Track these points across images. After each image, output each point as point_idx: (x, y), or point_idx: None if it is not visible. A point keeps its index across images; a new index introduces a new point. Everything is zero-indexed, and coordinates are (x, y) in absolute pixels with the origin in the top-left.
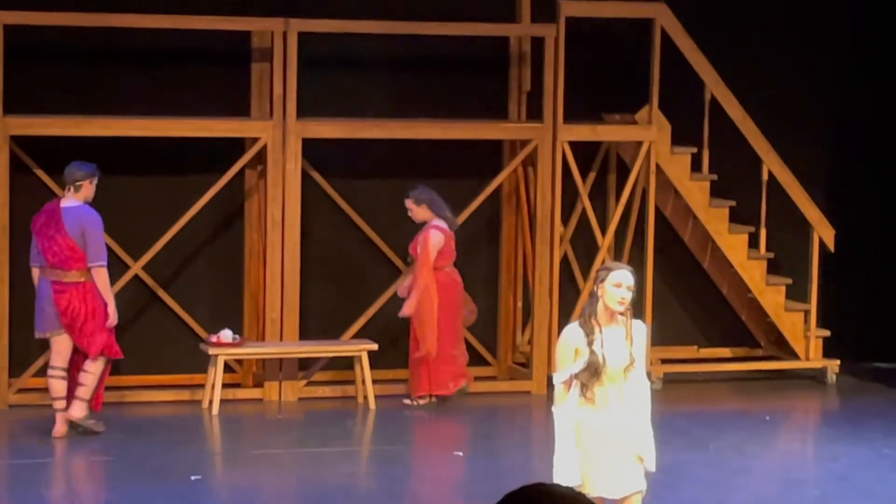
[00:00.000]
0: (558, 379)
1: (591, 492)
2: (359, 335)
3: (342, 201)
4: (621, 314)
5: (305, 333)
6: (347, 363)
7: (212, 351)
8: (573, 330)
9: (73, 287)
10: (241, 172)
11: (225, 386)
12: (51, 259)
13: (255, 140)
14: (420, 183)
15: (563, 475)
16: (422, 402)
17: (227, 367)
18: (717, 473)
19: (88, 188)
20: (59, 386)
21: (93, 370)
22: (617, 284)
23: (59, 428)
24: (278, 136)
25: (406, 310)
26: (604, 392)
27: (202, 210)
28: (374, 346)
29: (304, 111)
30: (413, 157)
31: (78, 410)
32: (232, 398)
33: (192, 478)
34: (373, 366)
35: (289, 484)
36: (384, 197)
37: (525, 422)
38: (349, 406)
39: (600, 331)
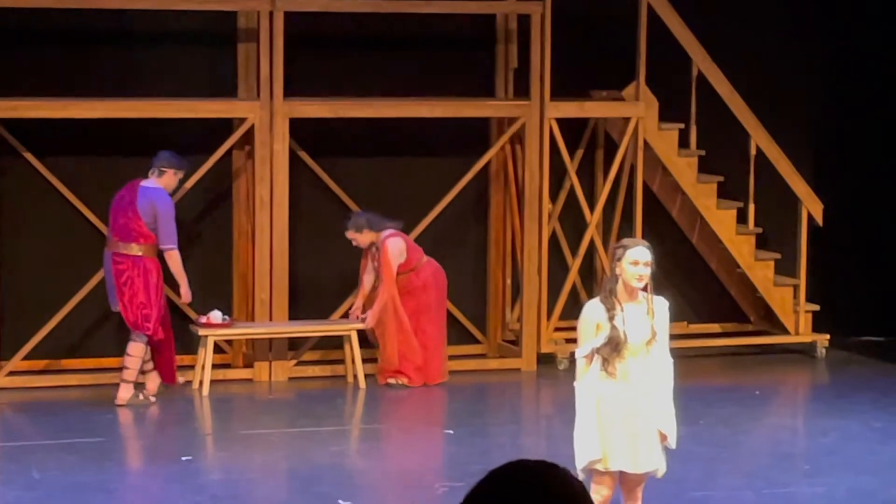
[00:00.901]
0: (580, 354)
1: (610, 466)
2: (348, 315)
3: (330, 181)
4: (642, 290)
5: (295, 313)
6: (337, 342)
7: (201, 332)
8: (594, 305)
9: (131, 259)
10: (228, 153)
11: (215, 367)
12: (116, 231)
13: (242, 121)
14: (407, 161)
15: (584, 449)
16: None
17: (217, 348)
18: (707, 448)
19: (171, 178)
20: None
21: (135, 353)
22: (634, 262)
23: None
24: (265, 117)
25: (369, 321)
26: (625, 367)
27: (190, 191)
28: (363, 326)
29: (291, 91)
30: (400, 135)
31: (123, 392)
32: (222, 378)
33: (184, 458)
34: (362, 345)
35: (279, 463)
36: (372, 176)
37: (515, 399)
38: (339, 385)
39: (621, 307)
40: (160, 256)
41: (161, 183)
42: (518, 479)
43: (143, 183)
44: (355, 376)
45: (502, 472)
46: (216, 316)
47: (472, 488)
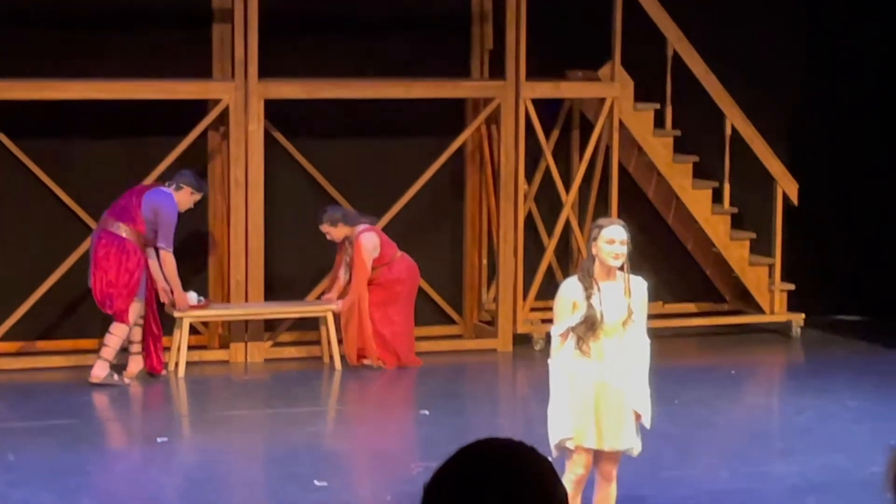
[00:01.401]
0: (556, 332)
1: (583, 443)
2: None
3: (305, 161)
4: (619, 269)
5: (270, 295)
6: (313, 324)
7: (177, 313)
8: (572, 284)
9: (115, 238)
10: (203, 134)
11: (191, 348)
12: (112, 210)
13: (216, 101)
14: (382, 141)
15: (557, 427)
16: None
17: (193, 330)
18: (684, 428)
19: (187, 195)
20: (131, 333)
21: (117, 333)
22: (609, 241)
23: (131, 369)
24: (240, 98)
25: (343, 304)
26: (599, 346)
27: (165, 172)
28: (338, 308)
29: (265, 72)
30: (376, 116)
31: (98, 370)
32: (198, 360)
33: (159, 440)
34: (338, 326)
35: (255, 445)
36: (347, 157)
37: (491, 380)
38: (315, 367)
39: (598, 287)
40: (152, 256)
41: (176, 196)
42: (485, 457)
43: (161, 187)
44: (331, 357)
45: (469, 450)
46: (191, 297)
47: (440, 467)
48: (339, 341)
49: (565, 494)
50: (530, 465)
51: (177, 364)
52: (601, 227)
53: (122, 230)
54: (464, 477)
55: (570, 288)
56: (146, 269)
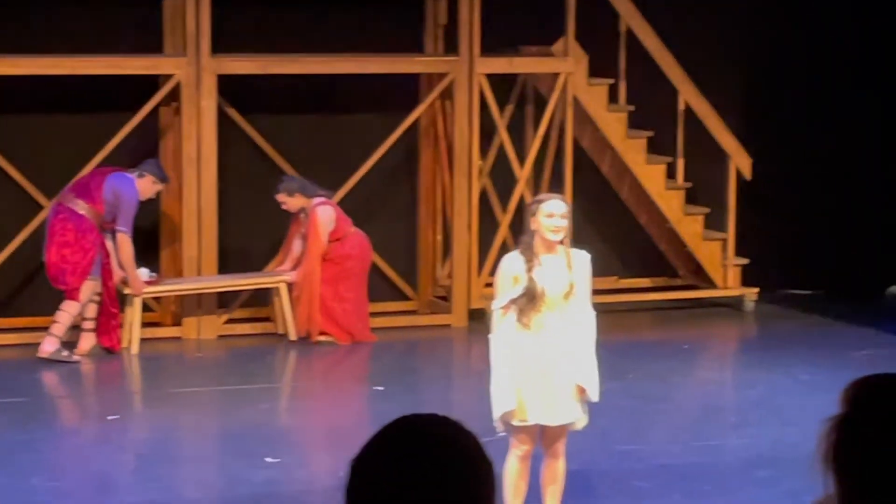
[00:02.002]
0: (496, 305)
1: (526, 418)
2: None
3: (259, 137)
4: (560, 243)
5: (224, 270)
6: (265, 300)
7: (128, 290)
8: (512, 257)
9: (73, 214)
10: (155, 110)
11: (144, 325)
12: (73, 186)
13: (168, 77)
14: (336, 117)
15: (499, 401)
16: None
17: (146, 307)
18: (636, 402)
19: (149, 184)
20: (84, 310)
21: (68, 309)
22: (549, 215)
23: (83, 346)
24: (192, 73)
25: (296, 275)
26: (540, 319)
27: (116, 149)
28: (292, 278)
29: (219, 47)
30: (329, 92)
31: (46, 345)
32: (150, 337)
33: (110, 417)
34: (291, 298)
35: (207, 422)
36: (301, 133)
37: (445, 355)
38: (268, 343)
39: (539, 260)
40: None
41: (139, 183)
42: (410, 432)
43: (125, 172)
44: (286, 329)
45: (395, 426)
46: (142, 273)
47: (366, 443)
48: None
49: (491, 467)
50: (456, 438)
51: (129, 341)
52: (540, 202)
53: (81, 207)
54: (390, 452)
55: (511, 262)
56: (101, 248)
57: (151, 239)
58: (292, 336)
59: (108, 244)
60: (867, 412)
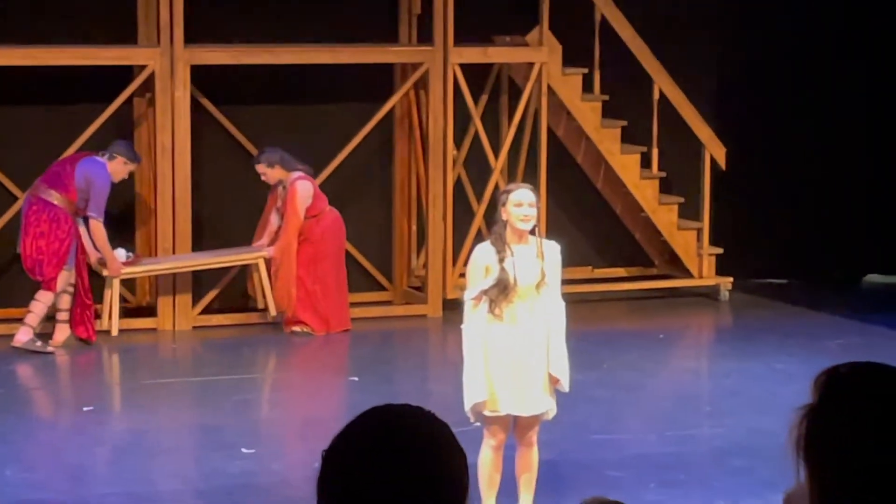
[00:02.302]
0: (468, 296)
1: (498, 409)
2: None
3: (233, 128)
4: (531, 233)
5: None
6: (241, 289)
7: (105, 272)
8: (484, 248)
9: (47, 205)
10: (129, 101)
11: (119, 316)
12: (45, 177)
13: (142, 68)
14: (311, 107)
15: (471, 392)
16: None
17: (122, 299)
18: (611, 392)
19: (120, 165)
20: (59, 300)
21: (42, 299)
22: (518, 204)
23: (58, 337)
24: (166, 64)
25: (273, 250)
26: (512, 309)
27: (91, 139)
28: (269, 253)
29: (192, 38)
30: (304, 82)
31: (21, 334)
32: (126, 328)
33: (85, 409)
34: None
35: (183, 413)
36: (276, 123)
37: (421, 346)
38: (243, 334)
39: (511, 251)
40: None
41: (109, 166)
42: (383, 422)
43: (95, 156)
44: (266, 304)
45: (367, 417)
46: (119, 254)
47: (338, 434)
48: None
49: (463, 456)
50: (429, 429)
51: (110, 322)
52: (509, 192)
53: (54, 198)
54: (362, 443)
55: (482, 252)
56: (76, 238)
57: (127, 230)
58: (272, 312)
59: (82, 230)
60: (837, 401)
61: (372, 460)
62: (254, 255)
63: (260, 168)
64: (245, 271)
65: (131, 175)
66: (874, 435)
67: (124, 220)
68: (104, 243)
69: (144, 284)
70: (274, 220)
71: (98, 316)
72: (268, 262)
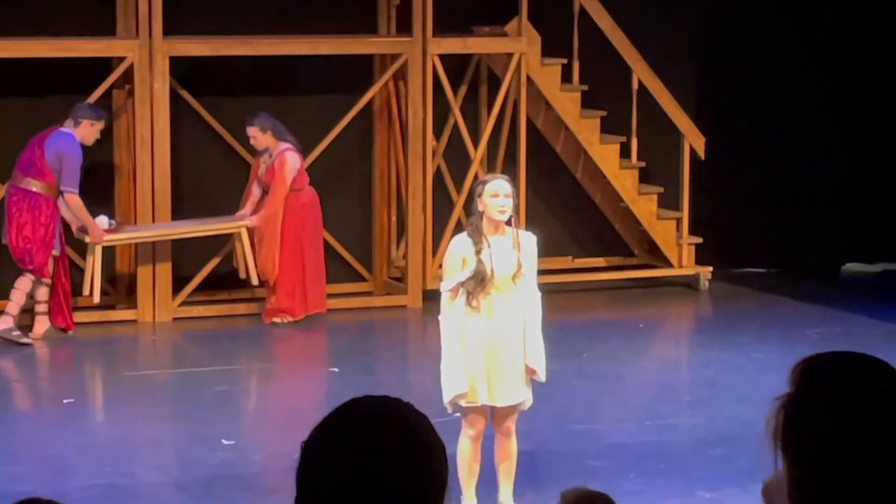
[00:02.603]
0: (445, 287)
1: (476, 400)
2: (230, 256)
3: (212, 119)
4: (507, 224)
5: (178, 253)
6: (220, 283)
7: (88, 238)
8: (461, 240)
9: (27, 194)
10: (108, 92)
11: (99, 308)
12: (20, 165)
13: (121, 59)
14: (290, 98)
15: (450, 383)
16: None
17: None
18: (591, 382)
19: (87, 129)
20: (37, 292)
21: (21, 287)
22: (494, 195)
23: (37, 329)
24: (145, 55)
25: (256, 219)
26: (490, 301)
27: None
28: (252, 222)
29: (172, 29)
30: (283, 73)
31: (1, 323)
32: (105, 320)
33: (66, 401)
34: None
35: (163, 405)
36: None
37: (401, 336)
38: (223, 325)
39: (488, 242)
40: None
41: (77, 133)
42: (361, 414)
43: (60, 128)
44: (248, 274)
45: (346, 408)
46: (101, 221)
47: (317, 425)
48: (246, 300)
49: (443, 448)
50: (408, 420)
51: (91, 290)
52: (485, 183)
53: (33, 185)
54: (341, 435)
55: (459, 244)
56: (60, 220)
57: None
58: (254, 282)
59: (61, 204)
60: (815, 391)
61: (351, 452)
62: (236, 223)
63: (252, 131)
64: (228, 259)
65: (108, 167)
66: (851, 424)
67: (106, 212)
68: (82, 212)
69: (124, 278)
70: (256, 190)
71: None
72: (251, 231)
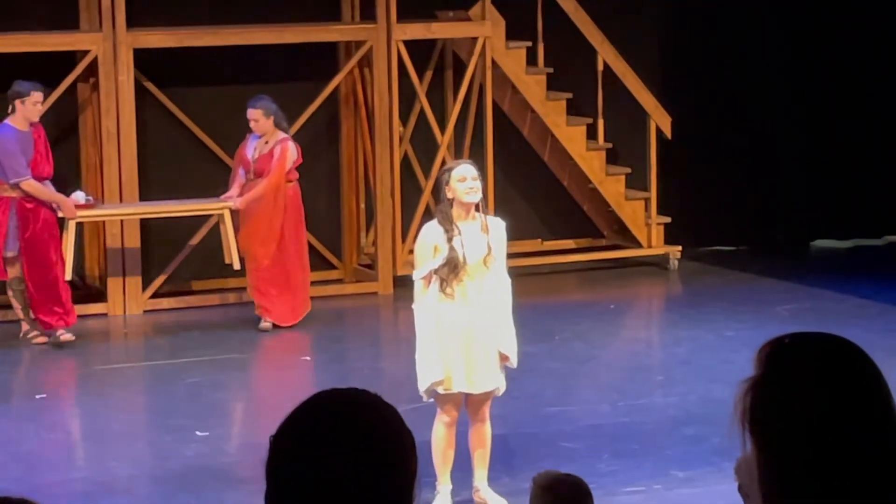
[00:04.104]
0: (417, 275)
1: (451, 388)
2: (199, 248)
3: (178, 111)
4: (476, 209)
5: (146, 245)
6: (190, 274)
7: (61, 213)
8: (432, 227)
9: None
10: (72, 86)
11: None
12: None
13: (85, 53)
14: (255, 87)
15: (426, 371)
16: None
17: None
18: (563, 364)
19: (22, 108)
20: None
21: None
22: (461, 179)
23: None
24: (109, 48)
25: (240, 202)
26: (462, 288)
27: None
28: (236, 204)
29: (134, 21)
30: (248, 62)
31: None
32: (77, 314)
33: (38, 396)
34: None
35: (135, 398)
36: (221, 104)
37: (372, 323)
38: (193, 317)
39: (458, 230)
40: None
41: (17, 117)
42: (329, 406)
43: (6, 121)
44: (230, 258)
45: (313, 401)
46: (78, 196)
47: (285, 419)
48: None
49: (412, 440)
50: (375, 412)
51: (64, 269)
52: (451, 169)
53: None
54: (309, 428)
55: (430, 232)
56: (13, 219)
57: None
58: (236, 265)
59: (32, 187)
60: (782, 373)
61: (318, 446)
62: (219, 204)
63: (255, 113)
64: (197, 251)
65: (74, 161)
66: (818, 406)
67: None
68: (44, 192)
69: (94, 269)
70: (241, 175)
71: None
72: (234, 213)
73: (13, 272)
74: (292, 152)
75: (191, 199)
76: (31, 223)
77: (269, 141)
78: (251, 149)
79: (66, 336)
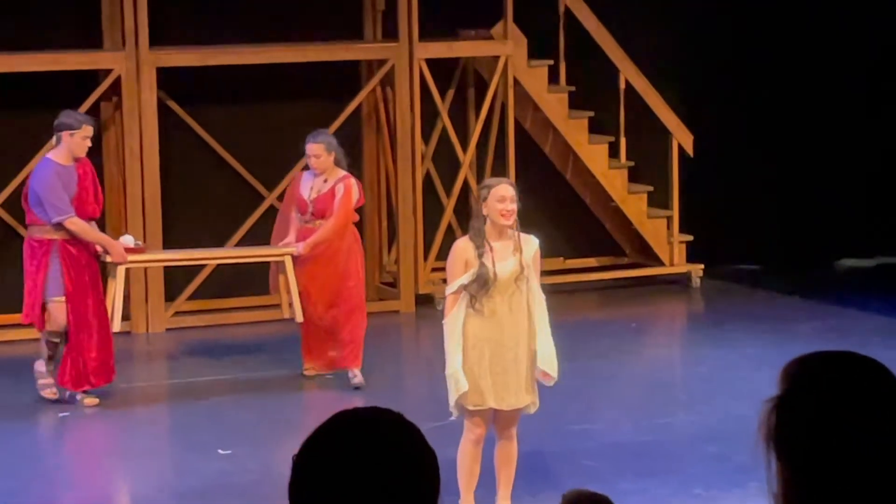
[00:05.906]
0: (448, 291)
1: (481, 403)
2: (222, 266)
3: (201, 130)
4: (510, 227)
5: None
6: (212, 291)
7: (109, 258)
8: (464, 243)
9: (26, 242)
10: (95, 105)
11: None
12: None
13: (108, 72)
14: (278, 106)
15: (454, 386)
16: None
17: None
18: (585, 381)
19: (69, 141)
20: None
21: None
22: (500, 199)
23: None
24: (132, 67)
25: (303, 248)
26: (493, 304)
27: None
28: (299, 250)
29: (157, 40)
30: (270, 81)
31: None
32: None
33: (61, 415)
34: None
35: (159, 415)
36: (244, 123)
37: (395, 341)
38: (215, 336)
39: (490, 246)
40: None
41: (60, 152)
42: (353, 426)
43: (48, 154)
44: (291, 306)
45: (336, 420)
46: (127, 240)
47: (308, 438)
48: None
49: (434, 459)
50: (399, 431)
51: (111, 318)
52: (490, 187)
53: (32, 231)
54: (331, 447)
55: (462, 247)
56: (57, 263)
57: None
58: (298, 318)
59: (78, 225)
60: (805, 392)
61: (341, 465)
62: (281, 251)
63: (317, 149)
64: (219, 269)
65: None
66: (843, 424)
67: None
68: (90, 232)
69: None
70: (296, 218)
71: None
72: (295, 260)
73: (51, 325)
74: (357, 190)
75: (249, 247)
76: (73, 268)
77: (329, 179)
78: (306, 188)
79: (89, 400)
